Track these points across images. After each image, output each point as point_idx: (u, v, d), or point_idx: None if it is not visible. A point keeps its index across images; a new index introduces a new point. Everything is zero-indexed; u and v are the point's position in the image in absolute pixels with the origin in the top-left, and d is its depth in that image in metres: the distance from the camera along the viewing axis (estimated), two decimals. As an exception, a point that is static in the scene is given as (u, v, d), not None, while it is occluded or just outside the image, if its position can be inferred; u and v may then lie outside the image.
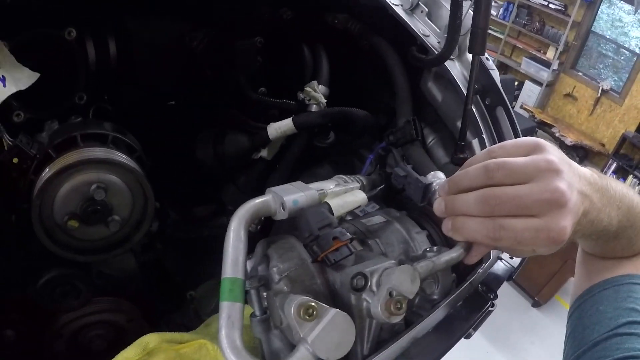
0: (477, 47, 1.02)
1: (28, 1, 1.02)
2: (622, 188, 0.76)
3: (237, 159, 1.36)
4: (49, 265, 1.11)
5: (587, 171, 0.70)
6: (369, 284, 0.71)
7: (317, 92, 1.33)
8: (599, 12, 7.95)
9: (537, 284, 4.87)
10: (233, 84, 1.39)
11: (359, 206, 0.86)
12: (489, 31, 1.14)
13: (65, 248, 1.07)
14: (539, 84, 8.61)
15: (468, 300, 0.88)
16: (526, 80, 8.74)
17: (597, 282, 0.85)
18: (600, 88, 7.97)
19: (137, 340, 1.02)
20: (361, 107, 1.33)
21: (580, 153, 8.08)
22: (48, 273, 1.12)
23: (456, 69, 1.18)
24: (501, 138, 1.12)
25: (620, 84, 7.92)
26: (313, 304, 0.65)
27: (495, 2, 8.57)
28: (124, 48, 1.21)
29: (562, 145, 7.81)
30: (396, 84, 1.25)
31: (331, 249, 0.73)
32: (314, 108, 1.33)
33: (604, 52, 8.23)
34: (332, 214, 0.81)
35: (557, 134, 8.11)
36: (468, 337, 0.90)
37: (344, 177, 0.94)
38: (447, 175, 0.91)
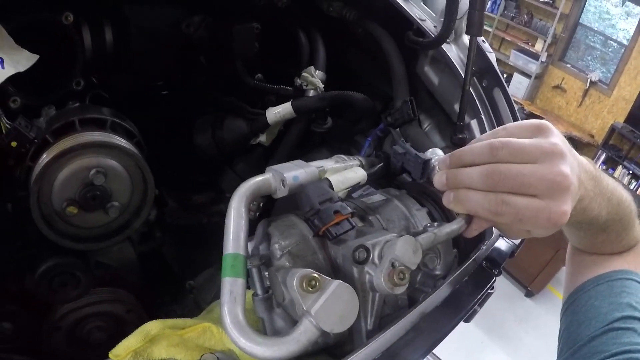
0: (474, 28, 1.03)
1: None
2: (613, 182, 0.78)
3: (235, 144, 1.36)
4: (47, 254, 1.09)
5: (583, 159, 0.71)
6: (371, 256, 0.71)
7: (314, 77, 1.33)
8: (586, 4, 7.99)
9: (529, 274, 4.90)
10: (230, 70, 1.39)
11: (359, 182, 0.86)
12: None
13: (64, 236, 1.06)
14: (528, 76, 8.65)
15: (473, 276, 0.89)
16: (515, 73, 8.78)
17: (590, 277, 0.86)
18: (589, 80, 8.02)
19: (139, 328, 1.01)
20: (357, 94, 1.33)
21: (570, 144, 8.09)
22: (46, 262, 1.10)
23: (453, 52, 1.19)
24: (499, 119, 1.13)
25: (609, 75, 7.97)
26: (316, 275, 0.66)
27: (484, -5, 8.58)
28: (121, 34, 1.21)
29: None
30: (392, 68, 1.26)
31: (332, 222, 0.73)
32: (311, 93, 1.33)
33: (592, 44, 8.28)
34: (333, 189, 0.81)
35: (546, 126, 8.13)
36: (474, 313, 0.91)
37: (342, 156, 0.94)
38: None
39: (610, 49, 8.03)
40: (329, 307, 0.64)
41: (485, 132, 1.11)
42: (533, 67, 8.47)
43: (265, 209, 1.32)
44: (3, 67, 0.92)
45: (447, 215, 0.90)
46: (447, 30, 1.10)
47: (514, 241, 1.03)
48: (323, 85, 1.33)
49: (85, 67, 1.16)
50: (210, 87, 1.46)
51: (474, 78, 1.17)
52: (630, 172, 7.48)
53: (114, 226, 1.12)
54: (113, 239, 1.13)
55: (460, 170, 0.69)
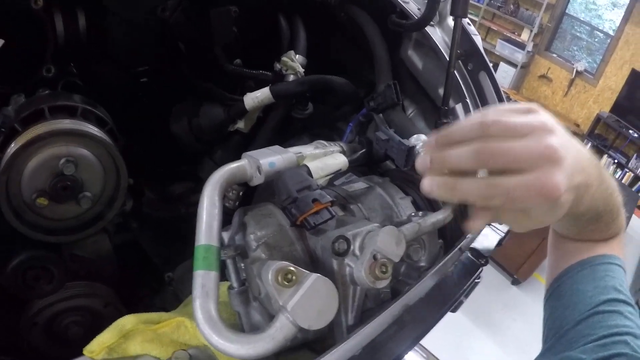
0: (459, 9, 1.00)
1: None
2: (606, 171, 0.77)
3: (213, 131, 1.32)
4: (18, 248, 1.05)
5: (584, 147, 0.69)
6: (352, 247, 0.68)
7: (294, 62, 1.29)
8: None
9: (515, 262, 4.91)
10: (208, 55, 1.34)
11: (340, 170, 0.82)
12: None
13: (35, 228, 1.02)
14: (514, 65, 8.64)
15: (458, 266, 0.85)
16: (501, 62, 8.76)
17: (573, 263, 0.84)
18: (575, 69, 8.03)
19: (114, 323, 0.98)
20: (340, 80, 1.28)
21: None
22: (18, 256, 1.05)
23: (437, 35, 1.16)
24: (484, 103, 1.10)
25: (595, 65, 7.98)
26: (292, 268, 0.62)
27: (470, -16, 8.56)
28: (94, 20, 1.16)
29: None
30: (375, 52, 1.22)
31: (311, 211, 0.70)
32: (291, 78, 1.29)
33: (578, 34, 8.29)
34: (312, 176, 0.77)
35: (532, 115, 8.17)
36: (460, 303, 0.88)
37: (323, 142, 0.91)
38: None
39: (596, 39, 8.05)
40: (306, 303, 0.60)
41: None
42: (519, 56, 8.47)
43: (246, 198, 1.29)
44: None
45: (432, 205, 0.86)
46: (431, 11, 1.06)
47: (501, 230, 1.00)
48: (303, 70, 1.29)
49: (57, 54, 1.11)
50: (189, 73, 1.41)
51: (459, 61, 1.13)
52: (616, 161, 7.52)
53: (87, 217, 1.08)
54: (86, 231, 1.08)
55: (448, 151, 0.65)
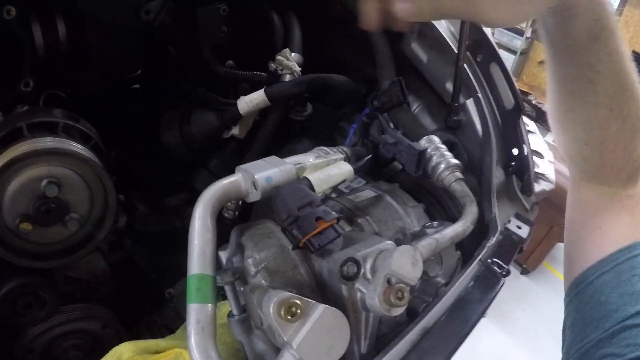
0: None
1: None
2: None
3: (205, 139, 1.24)
4: (6, 276, 0.99)
5: None
6: (362, 270, 0.60)
7: (290, 61, 1.21)
8: None
9: (524, 252, 4.84)
10: (197, 58, 1.26)
11: (344, 180, 0.74)
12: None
13: (22, 254, 0.96)
14: (513, 52, 8.53)
15: (479, 279, 0.77)
16: (500, 50, 8.67)
17: (593, 263, 0.71)
18: (575, 53, 7.96)
19: (110, 351, 0.91)
20: (339, 77, 1.20)
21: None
22: (6, 285, 0.99)
23: (442, 25, 1.07)
24: (496, 97, 1.02)
25: (594, 47, 7.92)
26: (296, 301, 0.55)
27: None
28: (75, 28, 1.08)
29: (540, 112, 7.81)
30: (376, 47, 1.14)
31: (314, 232, 0.62)
32: (287, 78, 1.21)
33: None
34: (314, 190, 0.69)
35: (533, 102, 8.10)
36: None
37: (325, 148, 0.83)
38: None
39: (596, 21, 7.98)
40: (314, 338, 0.53)
41: (484, 112, 0.99)
42: (518, 43, 8.36)
43: (246, 207, 1.22)
44: None
45: (446, 212, 0.79)
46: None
47: (521, 235, 0.92)
48: (300, 69, 1.21)
49: (37, 66, 1.03)
50: (178, 79, 1.33)
51: (467, 53, 1.04)
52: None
53: (76, 240, 1.01)
54: (76, 253, 1.02)
55: None
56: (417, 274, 0.58)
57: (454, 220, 0.70)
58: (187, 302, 0.61)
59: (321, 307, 0.54)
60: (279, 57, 1.24)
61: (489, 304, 0.77)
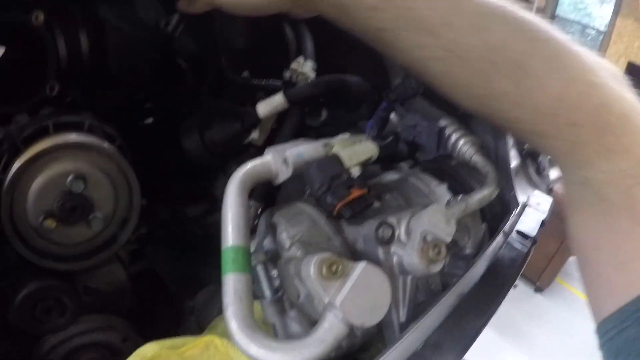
0: None
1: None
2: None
3: (226, 144, 1.24)
4: (26, 278, 0.97)
5: None
6: (397, 232, 0.61)
7: (304, 68, 1.23)
8: None
9: (537, 269, 4.81)
10: (215, 69, 1.29)
11: (371, 157, 0.75)
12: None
13: (44, 255, 0.95)
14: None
15: (505, 249, 0.78)
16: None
17: (623, 304, 0.58)
18: (572, 68, 8.05)
19: (134, 352, 0.91)
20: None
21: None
22: (26, 287, 0.97)
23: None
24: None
25: (590, 62, 8.03)
26: (337, 258, 0.55)
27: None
28: (96, 37, 1.11)
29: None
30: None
31: (349, 198, 0.63)
32: (302, 84, 1.23)
33: (570, 34, 8.30)
34: (343, 165, 0.71)
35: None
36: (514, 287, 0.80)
37: (347, 134, 0.84)
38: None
39: (589, 37, 8.17)
40: (357, 296, 0.53)
41: None
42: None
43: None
44: None
45: (467, 190, 0.80)
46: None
47: (543, 208, 0.92)
48: (314, 74, 1.23)
49: (60, 70, 1.05)
50: (197, 88, 1.36)
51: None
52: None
53: (99, 241, 1.00)
54: (98, 255, 1.01)
55: None
56: (451, 230, 0.58)
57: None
58: (223, 274, 0.61)
59: (362, 264, 0.54)
60: (293, 65, 1.26)
61: (519, 271, 0.77)
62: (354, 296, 0.53)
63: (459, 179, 0.82)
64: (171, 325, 1.38)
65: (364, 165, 0.76)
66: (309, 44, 1.31)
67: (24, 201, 0.90)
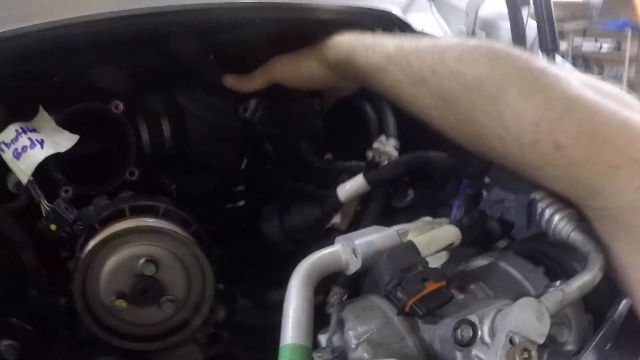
0: (548, 43, 0.87)
1: (75, 78, 1.01)
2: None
3: (307, 229, 1.21)
4: (96, 354, 0.98)
5: None
6: (479, 333, 0.52)
7: (386, 147, 1.19)
8: None
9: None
10: (296, 153, 1.28)
11: (452, 244, 0.68)
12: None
13: (114, 333, 0.95)
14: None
15: (616, 342, 0.64)
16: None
17: None
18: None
19: None
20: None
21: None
22: None
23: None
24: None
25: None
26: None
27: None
28: (178, 124, 1.15)
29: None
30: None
31: (422, 293, 0.55)
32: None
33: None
34: (419, 254, 0.64)
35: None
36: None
37: (428, 218, 0.78)
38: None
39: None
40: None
41: None
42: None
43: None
44: (42, 147, 0.88)
45: (568, 273, 0.69)
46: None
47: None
48: (397, 153, 1.19)
49: (140, 156, 1.10)
50: (277, 173, 1.35)
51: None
52: None
53: (171, 324, 0.99)
54: (171, 338, 0.99)
55: None
56: (544, 330, 0.49)
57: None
58: None
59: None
60: (375, 145, 1.22)
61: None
62: (426, 411, 0.45)
63: (558, 260, 0.71)
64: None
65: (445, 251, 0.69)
66: (390, 122, 1.27)
67: (97, 280, 0.91)
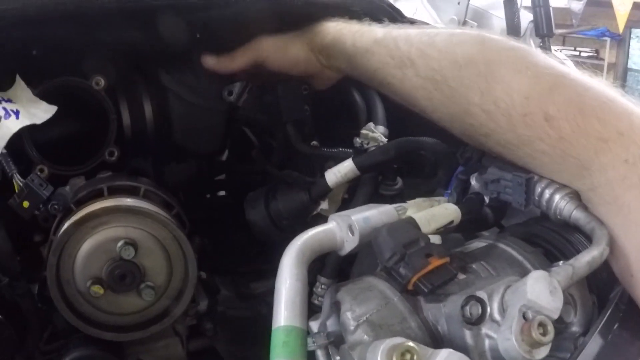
0: (544, 28, 0.86)
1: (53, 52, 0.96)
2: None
3: (294, 215, 1.17)
4: (71, 345, 0.92)
5: None
6: (489, 310, 0.49)
7: (375, 133, 1.16)
8: (629, 49, 7.90)
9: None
10: (282, 139, 1.24)
11: (452, 222, 0.65)
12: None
13: (90, 322, 0.90)
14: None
15: (622, 323, 0.61)
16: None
17: None
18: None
19: None
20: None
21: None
22: (69, 354, 0.91)
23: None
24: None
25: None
26: (411, 344, 0.44)
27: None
28: (160, 106, 1.11)
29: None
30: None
31: (427, 269, 0.52)
32: (375, 151, 1.15)
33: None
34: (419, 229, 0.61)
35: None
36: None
37: (424, 198, 0.75)
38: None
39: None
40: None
41: None
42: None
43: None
44: (17, 118, 0.84)
45: (567, 256, 0.66)
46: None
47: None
48: (386, 140, 1.16)
49: (120, 136, 1.05)
50: (262, 159, 1.32)
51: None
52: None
53: (151, 313, 0.94)
54: (150, 328, 0.94)
55: None
56: (558, 304, 0.46)
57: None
58: (271, 358, 0.54)
59: (444, 353, 0.43)
60: (363, 132, 1.19)
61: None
62: (434, 395, 0.42)
63: (556, 243, 0.69)
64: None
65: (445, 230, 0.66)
66: (379, 110, 1.24)
67: (72, 264, 0.86)
